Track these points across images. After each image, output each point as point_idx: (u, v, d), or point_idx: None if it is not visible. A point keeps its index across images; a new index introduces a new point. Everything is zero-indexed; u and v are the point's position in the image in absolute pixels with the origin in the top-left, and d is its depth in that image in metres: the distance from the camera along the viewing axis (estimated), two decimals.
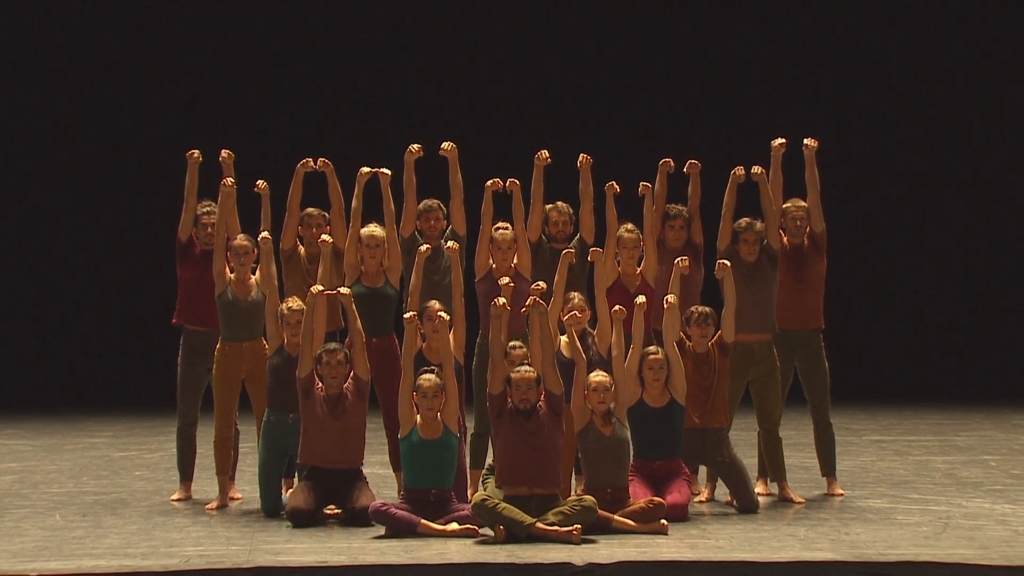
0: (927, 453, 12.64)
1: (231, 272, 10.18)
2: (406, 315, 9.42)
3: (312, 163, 10.38)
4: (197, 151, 10.43)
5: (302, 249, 10.46)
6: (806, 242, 10.50)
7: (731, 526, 9.20)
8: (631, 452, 9.44)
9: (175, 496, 10.40)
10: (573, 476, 9.92)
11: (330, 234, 10.22)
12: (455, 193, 10.35)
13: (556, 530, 8.64)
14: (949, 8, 18.46)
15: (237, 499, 10.29)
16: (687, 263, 9.89)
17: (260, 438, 9.90)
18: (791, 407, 10.90)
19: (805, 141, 10.55)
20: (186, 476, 10.45)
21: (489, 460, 9.70)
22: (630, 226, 10.33)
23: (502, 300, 9.26)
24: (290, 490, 9.74)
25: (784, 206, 10.45)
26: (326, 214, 10.42)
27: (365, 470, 9.63)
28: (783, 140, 10.49)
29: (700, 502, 10.16)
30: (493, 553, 8.30)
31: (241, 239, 10.18)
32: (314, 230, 10.37)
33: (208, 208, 10.38)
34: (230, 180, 10.18)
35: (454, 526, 8.91)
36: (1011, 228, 18.75)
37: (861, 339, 18.28)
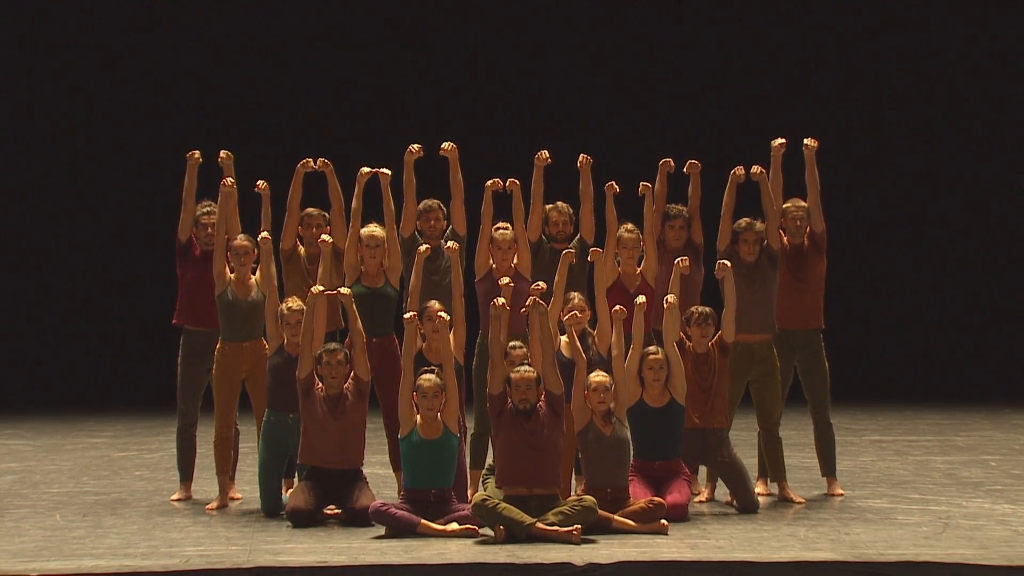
0: (927, 453, 12.64)
1: (231, 272, 10.18)
2: (406, 315, 9.42)
3: (312, 163, 10.38)
4: (197, 152, 10.42)
5: (302, 249, 10.46)
6: (806, 242, 10.50)
7: (731, 526, 9.20)
8: (631, 452, 9.44)
9: (175, 496, 10.40)
10: (573, 476, 9.92)
11: (330, 234, 10.22)
12: (456, 193, 10.35)
13: (556, 530, 8.64)
14: (949, 8, 18.46)
15: (237, 499, 10.29)
16: (687, 263, 9.89)
17: (260, 438, 9.90)
18: (791, 407, 10.90)
19: (805, 141, 10.55)
20: (186, 476, 10.45)
21: (489, 460, 9.70)
22: (630, 226, 10.33)
23: (501, 300, 9.26)
24: (290, 490, 9.75)
25: (784, 206, 10.45)
26: (326, 214, 10.42)
27: (365, 470, 9.62)
28: (783, 140, 10.49)
29: (700, 502, 10.16)
30: (493, 553, 8.29)
31: (241, 239, 10.18)
32: (314, 230, 10.37)
33: (208, 208, 10.38)
34: (230, 180, 10.18)
35: (454, 526, 8.91)
36: (1011, 228, 18.76)
37: (861, 339, 18.28)
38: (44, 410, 16.86)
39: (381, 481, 10.46)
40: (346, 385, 9.51)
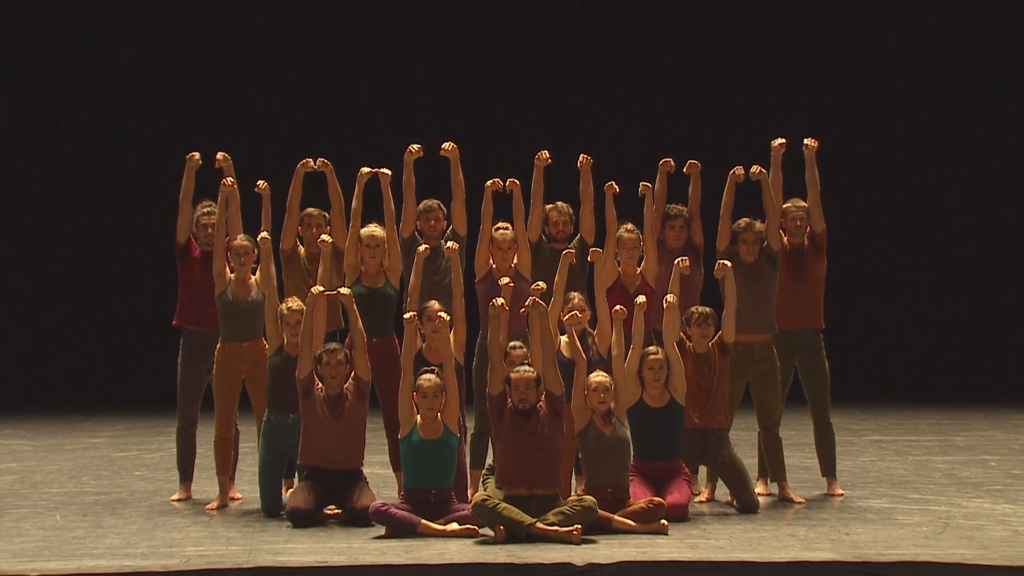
0: (927, 453, 12.64)
1: (231, 272, 10.18)
2: (406, 315, 9.42)
3: (312, 163, 10.38)
4: (197, 154, 10.41)
5: (302, 249, 10.46)
6: (806, 242, 10.50)
7: (731, 526, 9.20)
8: (631, 452, 9.44)
9: (175, 496, 10.40)
10: (573, 476, 9.92)
11: (330, 234, 10.22)
12: (457, 193, 10.34)
13: (556, 530, 8.64)
14: (949, 8, 18.46)
15: (237, 499, 10.29)
16: (687, 263, 9.89)
17: (260, 438, 9.90)
18: (791, 407, 10.89)
19: (805, 141, 10.54)
20: (186, 476, 10.45)
21: (489, 460, 9.70)
22: (630, 226, 10.33)
23: (500, 301, 9.25)
24: (290, 490, 9.75)
25: (784, 206, 10.45)
26: (326, 214, 10.42)
27: (365, 470, 9.62)
28: (783, 140, 10.49)
29: (700, 502, 10.16)
30: (493, 553, 8.29)
31: (241, 239, 10.18)
32: (314, 230, 10.37)
33: (208, 208, 10.38)
34: (230, 180, 10.18)
35: (454, 526, 8.91)
36: (1011, 228, 18.76)
37: (861, 339, 18.28)
38: (44, 410, 16.86)
39: (381, 481, 10.46)
40: (346, 385, 9.51)
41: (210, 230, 10.28)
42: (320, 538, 8.84)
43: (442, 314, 9.56)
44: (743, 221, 10.34)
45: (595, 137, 16.02)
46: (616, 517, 8.99)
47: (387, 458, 10.31)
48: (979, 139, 18.66)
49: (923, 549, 8.29)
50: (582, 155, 10.40)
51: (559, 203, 10.45)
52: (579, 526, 8.66)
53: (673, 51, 18.34)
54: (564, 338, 9.73)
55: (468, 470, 9.87)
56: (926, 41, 18.46)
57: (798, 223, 10.45)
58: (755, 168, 10.36)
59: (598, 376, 9.34)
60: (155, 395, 15.84)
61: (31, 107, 18.23)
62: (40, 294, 18.50)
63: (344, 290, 9.66)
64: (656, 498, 9.14)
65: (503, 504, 8.76)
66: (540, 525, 8.67)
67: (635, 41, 18.37)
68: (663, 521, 8.99)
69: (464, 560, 8.10)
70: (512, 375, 9.11)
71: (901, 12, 18.42)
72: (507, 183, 10.27)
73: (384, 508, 8.93)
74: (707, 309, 9.98)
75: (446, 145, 10.34)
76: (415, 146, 10.34)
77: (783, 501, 10.15)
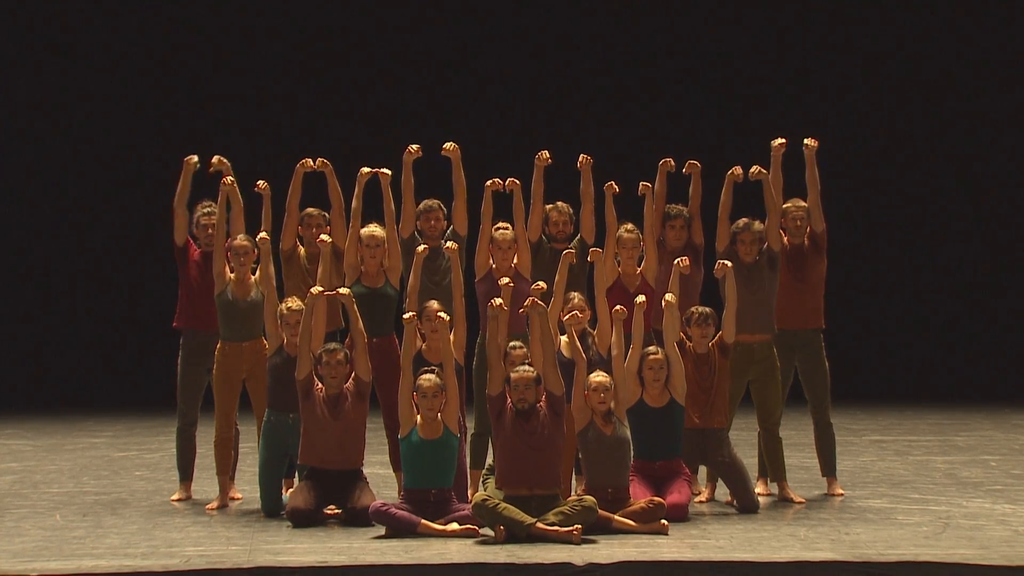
0: (927, 453, 12.64)
1: (231, 272, 10.18)
2: (405, 315, 9.42)
3: (312, 163, 10.37)
4: (195, 157, 10.40)
5: (302, 249, 10.46)
6: (806, 242, 10.50)
7: (731, 526, 9.20)
8: (631, 452, 9.44)
9: (175, 496, 10.40)
10: (573, 476, 9.92)
11: (330, 234, 10.22)
12: (458, 193, 10.34)
13: (556, 530, 8.64)
14: (950, 8, 18.46)
15: (237, 499, 10.29)
16: (687, 263, 9.89)
17: (260, 438, 9.90)
18: (791, 407, 10.89)
19: (805, 141, 10.54)
20: (186, 476, 10.45)
21: (489, 460, 9.69)
22: (630, 226, 10.33)
23: (499, 301, 9.25)
24: (290, 490, 9.74)
25: (784, 206, 10.45)
26: (326, 214, 10.42)
27: (365, 470, 9.62)
28: (783, 140, 10.49)
29: (700, 502, 10.16)
30: (493, 553, 8.29)
31: (241, 239, 10.18)
32: (314, 230, 10.37)
33: (208, 208, 10.37)
34: (229, 179, 10.18)
35: (454, 526, 8.91)
36: (1011, 228, 18.75)
37: (861, 339, 18.27)
38: (44, 410, 16.85)
39: (381, 481, 10.46)
40: (346, 385, 9.51)
41: (210, 230, 10.27)
42: (320, 538, 8.84)
43: (442, 314, 9.55)
44: (741, 221, 10.34)
45: (595, 137, 16.01)
46: (616, 517, 8.99)
47: (387, 458, 10.31)
48: (979, 139, 18.65)
49: (923, 549, 8.29)
50: (582, 155, 10.39)
51: (559, 203, 10.45)
52: (579, 526, 8.66)
53: (673, 51, 18.34)
54: (564, 338, 9.73)
55: (468, 470, 9.87)
56: (926, 41, 18.46)
57: (798, 223, 10.45)
58: (755, 168, 10.36)
59: (598, 376, 9.34)
60: (155, 395, 15.83)
61: (31, 107, 18.22)
62: (40, 294, 18.49)
63: (344, 290, 9.66)
64: (656, 498, 9.14)
65: (503, 504, 8.76)
66: (540, 525, 8.66)
67: (635, 41, 18.37)
68: (663, 521, 8.98)
69: (464, 560, 8.10)
70: (512, 375, 9.11)
71: (901, 12, 18.42)
72: (507, 183, 10.27)
73: (384, 508, 8.93)
74: (707, 309, 9.98)
75: (447, 145, 10.34)
76: (414, 146, 10.34)
77: (783, 501, 10.15)
